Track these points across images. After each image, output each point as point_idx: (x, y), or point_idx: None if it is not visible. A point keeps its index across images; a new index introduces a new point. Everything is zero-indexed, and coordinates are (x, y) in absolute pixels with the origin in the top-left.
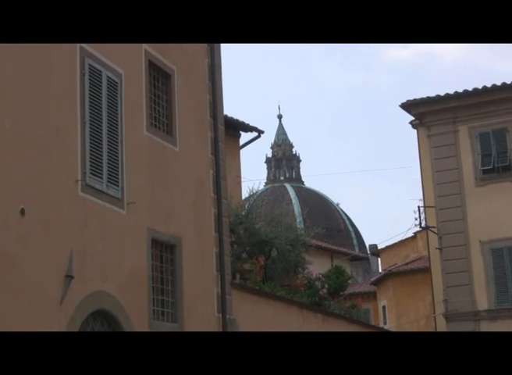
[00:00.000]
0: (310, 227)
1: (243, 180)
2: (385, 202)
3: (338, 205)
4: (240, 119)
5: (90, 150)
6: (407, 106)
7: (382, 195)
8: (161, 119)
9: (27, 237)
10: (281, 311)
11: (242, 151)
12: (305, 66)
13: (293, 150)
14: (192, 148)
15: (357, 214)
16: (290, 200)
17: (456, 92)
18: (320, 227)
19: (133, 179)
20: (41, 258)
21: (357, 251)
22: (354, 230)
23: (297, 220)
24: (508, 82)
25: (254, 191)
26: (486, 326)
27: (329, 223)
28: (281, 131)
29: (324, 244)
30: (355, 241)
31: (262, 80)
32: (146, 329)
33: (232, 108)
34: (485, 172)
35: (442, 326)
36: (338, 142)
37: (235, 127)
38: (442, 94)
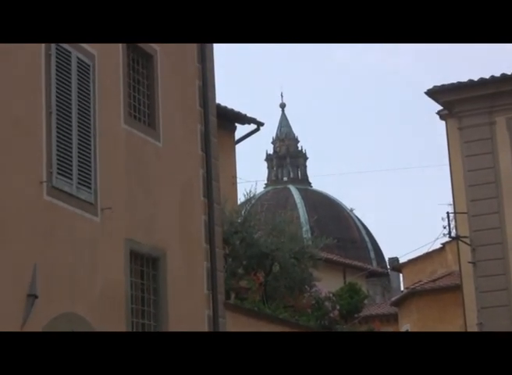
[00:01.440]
0: (318, 237)
1: (239, 181)
2: (408, 208)
3: (352, 210)
4: (236, 108)
5: (58, 145)
6: (434, 93)
7: (404, 200)
8: (142, 108)
9: None
10: None
11: (238, 146)
12: (312, 47)
13: (299, 145)
14: (178, 144)
15: (375, 222)
16: (295, 205)
17: (492, 77)
18: (330, 237)
19: (109, 180)
20: None
21: (374, 266)
22: (371, 241)
23: (303, 229)
24: None
25: (252, 195)
26: None
27: (342, 233)
28: (284, 123)
29: (335, 258)
30: (372, 254)
31: (261, 63)
32: None
33: (226, 95)
34: None
35: None
36: (351, 136)
37: (229, 119)
38: (475, 78)
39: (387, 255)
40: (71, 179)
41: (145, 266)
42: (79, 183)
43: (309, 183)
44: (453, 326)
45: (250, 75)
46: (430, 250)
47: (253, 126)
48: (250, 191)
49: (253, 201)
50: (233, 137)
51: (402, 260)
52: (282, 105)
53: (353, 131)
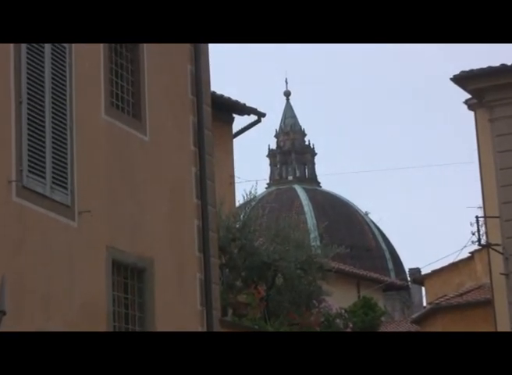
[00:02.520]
0: (328, 245)
1: (237, 180)
2: (431, 211)
3: (367, 214)
4: (234, 97)
5: (29, 139)
6: (462, 80)
7: (426, 202)
8: (126, 97)
9: None
10: None
11: (236, 141)
12: None
13: (306, 139)
14: (167, 137)
15: (393, 227)
16: (302, 208)
17: None
18: (342, 245)
19: (87, 179)
20: None
21: (392, 278)
22: (389, 249)
23: (311, 236)
24: None
25: (252, 196)
26: None
27: (355, 240)
28: (289, 114)
29: (348, 269)
30: (390, 264)
31: (263, 44)
32: None
33: (222, 82)
34: None
35: None
36: (366, 130)
37: (226, 109)
38: (508, 63)
39: (407, 265)
40: (44, 178)
41: (129, 278)
42: (53, 182)
43: (318, 183)
44: None
45: (250, 58)
46: (457, 260)
47: (253, 118)
48: (250, 192)
49: (253, 204)
50: (231, 129)
51: (424, 271)
52: (287, 93)
53: (368, 123)
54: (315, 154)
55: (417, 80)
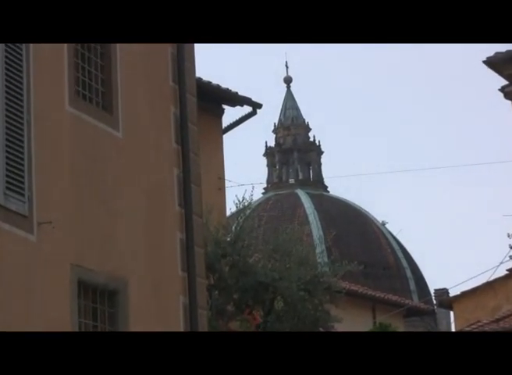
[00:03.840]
0: (338, 262)
1: (228, 184)
2: (461, 221)
3: (384, 224)
4: (224, 85)
5: None
6: (496, 63)
7: (455, 209)
8: (94, 85)
9: None
10: None
11: (227, 137)
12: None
13: (310, 135)
14: (144, 133)
15: (416, 240)
16: (306, 217)
17: None
18: (355, 262)
19: (49, 184)
20: None
21: (415, 301)
22: (411, 267)
23: (317, 250)
24: None
25: (247, 203)
26: None
27: (370, 255)
28: (290, 104)
29: (361, 290)
30: (412, 285)
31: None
32: None
33: (210, 67)
34: None
35: None
36: (383, 123)
37: (215, 99)
38: None
39: (432, 285)
40: None
41: (99, 302)
42: (7, 188)
43: (325, 187)
44: None
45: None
46: (491, 279)
47: (247, 109)
48: (244, 199)
49: (247, 213)
50: (220, 123)
51: (453, 293)
52: (288, 80)
53: (384, 116)
54: (322, 152)
55: (444, 63)
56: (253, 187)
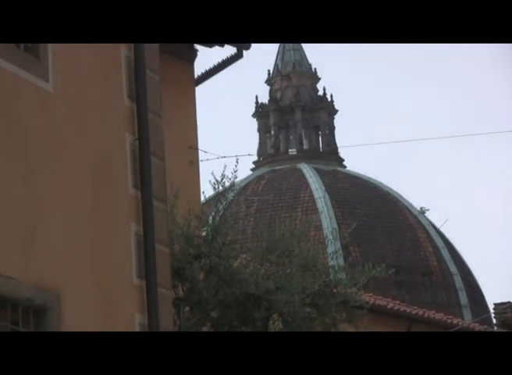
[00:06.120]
0: (358, 265)
1: (203, 156)
2: None
3: (423, 213)
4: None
5: None
6: None
7: None
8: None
9: None
10: None
11: (200, 90)
12: None
13: (319, 87)
14: (83, 85)
15: (468, 235)
16: (313, 202)
17: None
18: (383, 265)
19: None
20: None
21: (468, 320)
22: (462, 273)
23: (329, 249)
24: None
25: (229, 183)
26: None
27: (404, 257)
28: (290, 44)
29: (391, 305)
30: (463, 297)
31: None
32: None
33: None
34: None
35: None
36: (417, 74)
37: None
38: None
39: (491, 298)
40: None
41: (22, 323)
42: None
43: (340, 161)
44: None
45: None
46: None
47: (229, 50)
48: (225, 177)
49: (231, 197)
50: (192, 71)
51: None
52: None
53: (419, 64)
54: (335, 111)
55: None
56: (238, 161)
